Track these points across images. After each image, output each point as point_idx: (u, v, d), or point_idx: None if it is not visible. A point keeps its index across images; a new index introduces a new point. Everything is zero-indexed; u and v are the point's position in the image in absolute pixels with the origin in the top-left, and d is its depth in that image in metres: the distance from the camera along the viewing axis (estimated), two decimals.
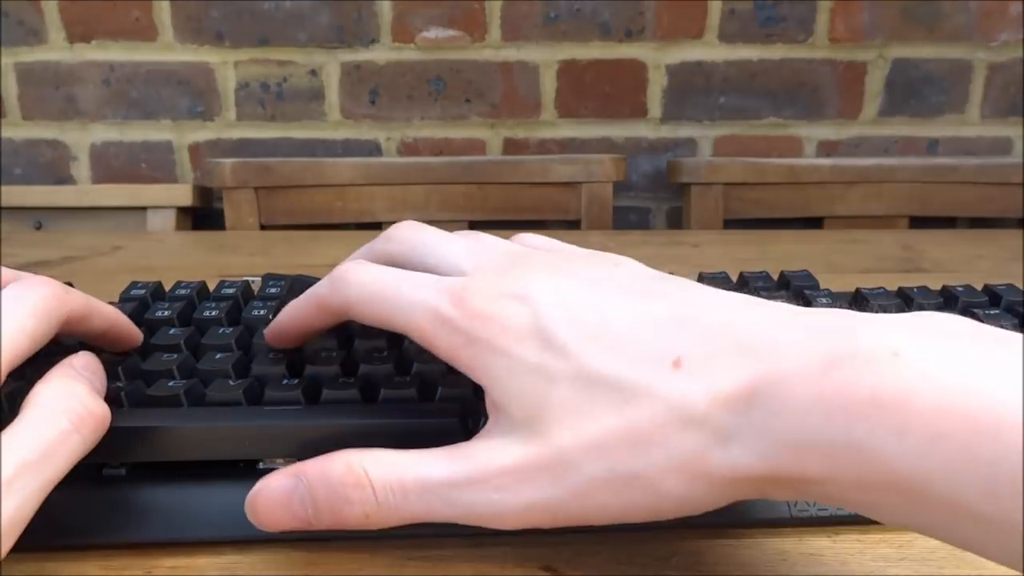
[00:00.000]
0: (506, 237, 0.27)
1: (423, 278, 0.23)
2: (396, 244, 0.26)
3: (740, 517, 0.24)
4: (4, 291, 0.23)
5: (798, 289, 0.33)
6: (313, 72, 0.91)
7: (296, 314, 0.26)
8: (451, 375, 0.27)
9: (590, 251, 0.25)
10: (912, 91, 0.91)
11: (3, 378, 0.21)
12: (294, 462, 0.25)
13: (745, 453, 0.18)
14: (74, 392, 0.22)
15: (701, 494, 0.19)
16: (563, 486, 0.19)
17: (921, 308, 0.32)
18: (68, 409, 0.21)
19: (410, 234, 0.26)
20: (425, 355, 0.28)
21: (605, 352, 0.20)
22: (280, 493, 0.21)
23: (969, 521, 0.15)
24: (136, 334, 0.28)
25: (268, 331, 0.27)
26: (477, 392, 0.26)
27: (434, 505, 0.20)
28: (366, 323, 0.24)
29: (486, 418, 0.22)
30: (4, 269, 0.25)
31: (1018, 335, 0.17)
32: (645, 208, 0.97)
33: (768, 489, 0.19)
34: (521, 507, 0.20)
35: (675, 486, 0.18)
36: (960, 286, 0.34)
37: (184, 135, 0.93)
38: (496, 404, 0.21)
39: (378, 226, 0.88)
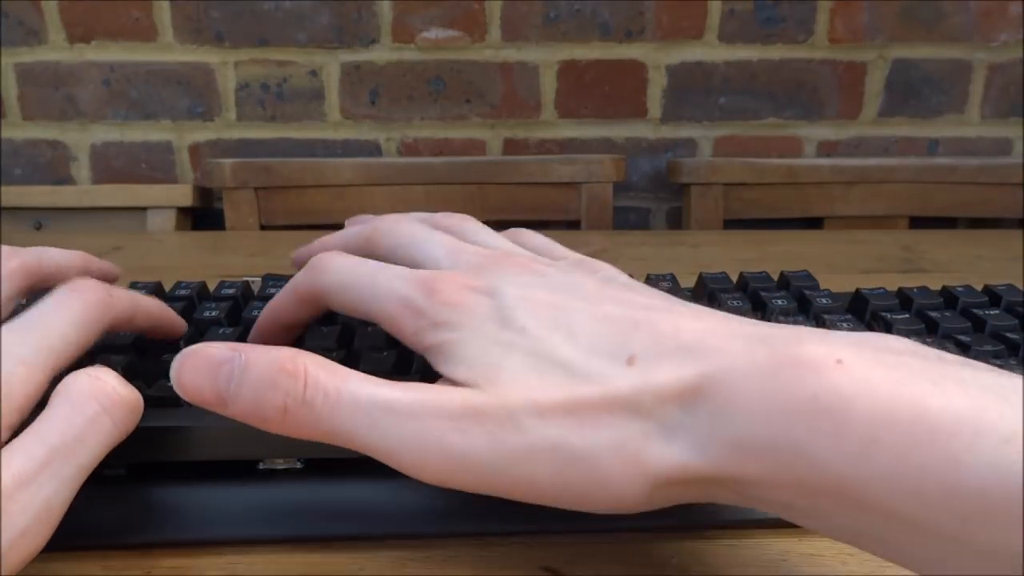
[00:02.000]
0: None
1: (397, 270, 0.23)
2: (382, 237, 0.27)
3: (741, 517, 0.24)
4: (49, 298, 0.23)
5: (798, 289, 0.33)
6: (313, 72, 0.91)
7: (276, 308, 0.27)
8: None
9: (574, 259, 0.26)
10: (912, 91, 0.91)
11: (46, 385, 0.21)
12: (295, 462, 0.25)
13: (687, 449, 0.18)
14: (103, 377, 0.22)
15: (639, 488, 0.19)
16: (501, 445, 0.19)
17: (921, 308, 0.32)
18: (98, 393, 0.21)
19: (395, 228, 0.27)
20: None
21: (562, 341, 0.20)
22: (213, 360, 0.20)
23: (900, 527, 0.16)
24: (180, 325, 0.29)
25: (251, 335, 0.28)
26: None
27: (359, 426, 0.19)
28: (341, 311, 0.24)
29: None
30: (52, 260, 0.26)
31: (957, 357, 0.18)
32: (645, 208, 0.97)
33: (708, 490, 0.19)
34: (450, 457, 0.19)
35: (613, 473, 0.18)
36: (960, 286, 0.34)
37: (184, 135, 0.93)
38: (445, 376, 0.21)
39: None
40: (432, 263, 0.25)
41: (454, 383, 0.20)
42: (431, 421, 0.19)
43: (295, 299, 0.26)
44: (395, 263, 0.25)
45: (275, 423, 0.20)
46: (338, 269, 0.24)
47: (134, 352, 0.28)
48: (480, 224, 0.28)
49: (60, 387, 0.21)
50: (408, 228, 0.27)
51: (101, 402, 0.21)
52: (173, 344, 0.29)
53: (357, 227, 0.28)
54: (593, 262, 0.25)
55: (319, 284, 0.25)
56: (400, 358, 0.28)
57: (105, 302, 0.24)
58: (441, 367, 0.21)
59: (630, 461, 0.18)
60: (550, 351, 0.20)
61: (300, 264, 0.29)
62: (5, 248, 0.25)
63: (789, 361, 0.17)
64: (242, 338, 0.29)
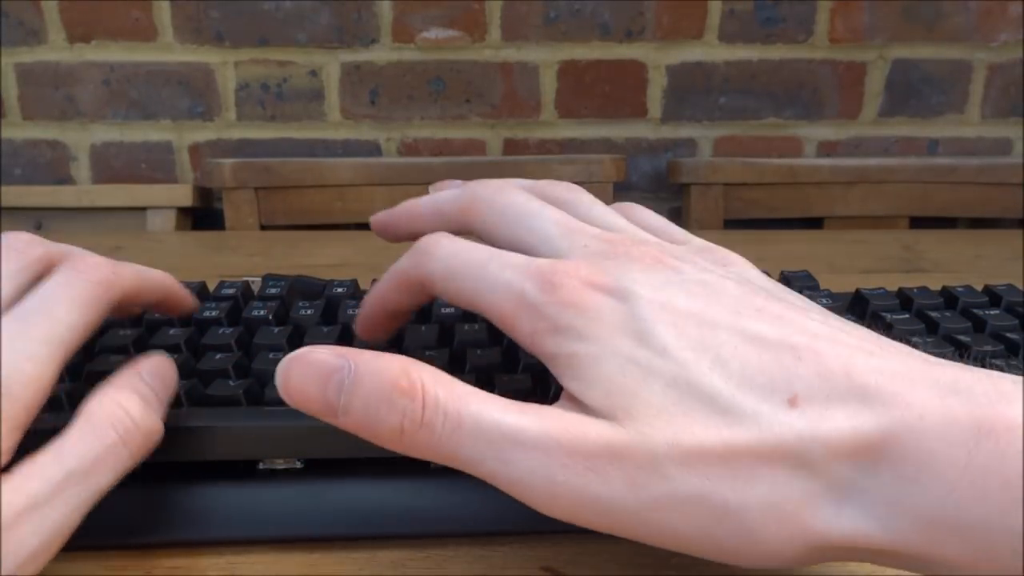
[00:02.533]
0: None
1: (511, 257, 0.20)
2: (481, 208, 0.23)
3: None
4: (50, 281, 0.22)
5: (798, 289, 0.33)
6: (313, 72, 0.91)
7: (379, 296, 0.25)
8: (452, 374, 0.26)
9: (699, 243, 0.23)
10: (912, 91, 0.91)
11: (56, 378, 0.21)
12: (295, 462, 0.25)
13: (863, 517, 0.16)
14: (125, 405, 0.21)
15: (795, 549, 0.16)
16: (641, 492, 0.17)
17: (921, 308, 0.32)
18: (117, 422, 0.21)
19: (496, 198, 0.23)
20: (425, 352, 0.28)
21: (710, 367, 0.17)
22: (321, 367, 0.19)
23: None
24: (189, 299, 0.28)
25: (356, 323, 0.26)
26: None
27: (483, 454, 0.17)
28: (448, 300, 0.22)
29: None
30: (52, 246, 0.24)
31: None
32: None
33: (879, 559, 0.16)
34: (583, 498, 0.17)
35: (767, 533, 0.16)
36: (960, 286, 0.34)
37: (184, 135, 0.93)
38: (573, 395, 0.18)
39: None
40: (542, 243, 0.22)
41: (582, 404, 0.18)
42: (563, 458, 0.17)
43: (399, 285, 0.24)
44: (495, 239, 0.23)
45: (390, 442, 0.18)
46: (446, 254, 0.21)
47: (134, 351, 0.28)
48: (591, 196, 0.24)
49: (85, 406, 0.21)
50: (512, 198, 0.23)
51: (119, 432, 0.21)
52: (172, 346, 0.29)
53: (452, 191, 0.25)
54: (720, 251, 0.22)
55: (424, 270, 0.22)
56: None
57: (110, 281, 0.23)
58: (567, 382, 0.19)
59: (789, 521, 0.16)
60: (696, 381, 0.17)
61: (380, 229, 0.27)
62: (28, 235, 0.24)
63: (1000, 424, 0.15)
64: (241, 337, 0.29)
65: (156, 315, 0.31)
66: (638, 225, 0.23)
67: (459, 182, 0.26)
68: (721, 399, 0.17)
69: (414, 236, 0.24)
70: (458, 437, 0.18)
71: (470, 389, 0.18)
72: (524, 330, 0.19)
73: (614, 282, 0.19)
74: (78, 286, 0.22)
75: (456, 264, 0.21)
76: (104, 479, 0.20)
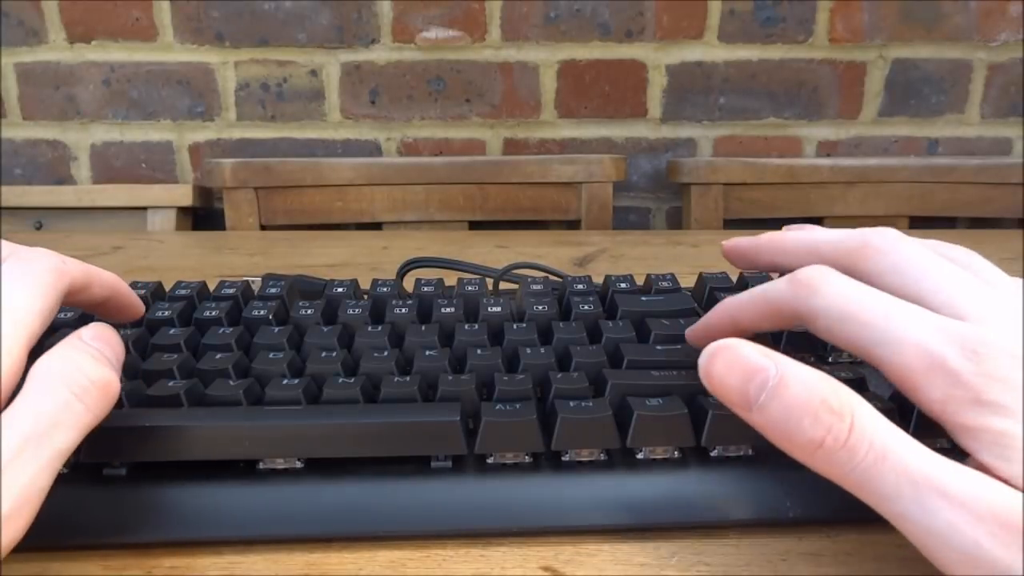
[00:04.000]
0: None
1: (917, 312, 0.20)
2: (874, 254, 0.23)
3: (740, 517, 0.24)
4: (3, 269, 0.22)
5: None
6: (313, 72, 0.91)
7: (734, 312, 0.24)
8: (453, 374, 0.26)
9: None
10: (912, 91, 0.91)
11: (24, 363, 0.21)
12: (295, 462, 0.25)
13: None
14: (74, 361, 0.21)
15: None
16: None
17: None
18: (68, 379, 0.21)
19: (894, 247, 0.22)
20: (425, 352, 0.28)
21: None
22: (747, 362, 0.19)
23: None
24: (137, 304, 0.28)
25: (693, 329, 0.25)
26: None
27: (902, 493, 0.17)
28: (830, 341, 0.21)
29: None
30: (10, 245, 0.24)
31: None
32: (645, 208, 0.97)
33: None
34: (986, 560, 0.17)
35: None
36: None
37: (184, 135, 0.93)
38: (993, 471, 0.18)
39: (378, 226, 0.88)
40: (945, 303, 0.20)
41: (993, 471, 0.18)
42: (993, 526, 0.17)
43: (767, 311, 0.23)
44: (885, 288, 0.22)
45: (802, 451, 0.19)
46: (839, 294, 0.21)
47: (134, 351, 0.28)
48: (986, 261, 0.23)
49: (32, 371, 0.21)
50: (915, 250, 0.22)
51: (72, 389, 0.21)
52: (173, 346, 0.29)
53: (838, 233, 0.24)
54: None
55: (807, 305, 0.21)
56: (402, 358, 0.28)
57: (59, 268, 0.24)
58: (986, 456, 0.18)
59: None
60: None
61: (735, 256, 0.27)
62: (7, 243, 0.25)
63: None
64: (241, 337, 0.29)
65: (156, 316, 0.31)
66: None
67: (811, 226, 0.26)
68: None
69: (775, 268, 0.24)
70: (879, 469, 0.18)
71: (893, 426, 0.18)
72: (934, 395, 0.19)
73: None
74: (31, 274, 0.23)
75: (849, 308, 0.20)
76: (64, 437, 0.20)
